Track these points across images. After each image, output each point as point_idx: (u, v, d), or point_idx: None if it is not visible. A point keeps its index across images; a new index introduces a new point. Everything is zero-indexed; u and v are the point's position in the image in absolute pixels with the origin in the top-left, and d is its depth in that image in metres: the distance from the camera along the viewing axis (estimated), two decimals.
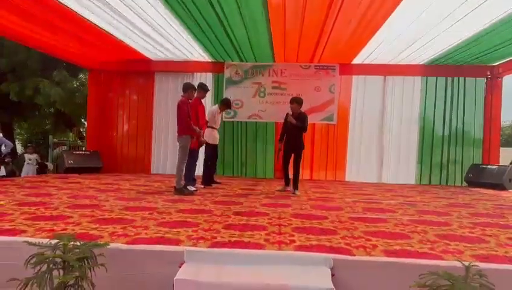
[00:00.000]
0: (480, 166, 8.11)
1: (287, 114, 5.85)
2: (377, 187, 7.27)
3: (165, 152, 9.15)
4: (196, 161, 6.17)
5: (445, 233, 3.24)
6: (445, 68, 8.36)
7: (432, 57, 7.84)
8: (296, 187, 5.77)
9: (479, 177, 7.84)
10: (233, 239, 2.81)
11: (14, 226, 2.97)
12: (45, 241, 2.12)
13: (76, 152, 9.49)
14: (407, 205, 4.93)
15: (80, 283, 1.96)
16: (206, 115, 6.48)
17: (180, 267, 2.32)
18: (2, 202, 4.13)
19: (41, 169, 10.23)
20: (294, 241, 2.81)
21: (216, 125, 6.61)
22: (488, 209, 4.81)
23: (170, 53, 8.27)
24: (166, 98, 9.07)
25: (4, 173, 8.77)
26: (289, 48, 7.53)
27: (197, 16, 5.92)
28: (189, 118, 5.36)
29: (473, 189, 7.51)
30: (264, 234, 3.01)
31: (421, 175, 8.56)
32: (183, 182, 5.41)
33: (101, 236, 2.74)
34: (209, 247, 2.58)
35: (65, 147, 13.49)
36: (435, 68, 8.41)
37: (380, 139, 8.76)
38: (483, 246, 2.81)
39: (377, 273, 2.34)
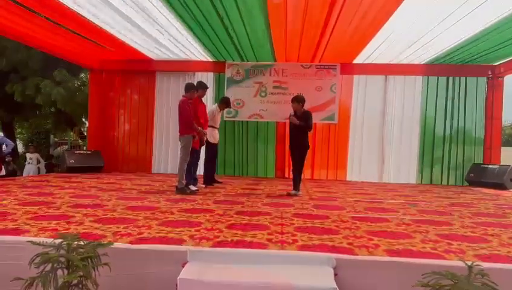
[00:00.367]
0: (482, 166, 8.10)
1: (290, 115, 5.69)
2: (378, 187, 7.28)
3: (166, 151, 9.16)
4: (198, 161, 6.18)
5: (447, 233, 3.25)
6: (446, 68, 8.36)
7: (433, 57, 7.84)
8: (296, 188, 5.57)
9: (480, 177, 7.84)
10: (235, 239, 2.82)
11: (17, 226, 2.98)
12: (49, 240, 2.13)
13: (77, 151, 9.50)
14: (408, 204, 4.94)
15: (84, 283, 1.97)
16: (207, 114, 6.47)
17: (183, 266, 2.33)
18: (4, 201, 4.15)
19: (50, 168, 10.20)
20: (296, 240, 2.82)
21: (216, 124, 6.62)
22: (489, 209, 4.82)
23: (171, 53, 8.27)
24: (167, 97, 9.08)
25: (5, 173, 8.78)
26: (290, 47, 7.52)
27: (198, 16, 5.92)
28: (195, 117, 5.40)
29: (474, 189, 7.51)
30: (266, 233, 3.01)
31: (422, 175, 8.56)
32: (184, 182, 5.42)
33: (104, 236, 2.75)
34: (212, 246, 2.59)
35: (66, 146, 13.53)
36: (436, 68, 8.40)
37: (381, 139, 8.76)
38: (486, 246, 2.81)
39: (379, 273, 2.35)
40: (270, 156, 8.92)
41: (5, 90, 12.70)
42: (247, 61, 8.70)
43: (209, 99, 8.54)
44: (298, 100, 5.60)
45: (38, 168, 10.53)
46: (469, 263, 1.92)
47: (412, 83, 8.64)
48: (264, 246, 2.64)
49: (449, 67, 8.34)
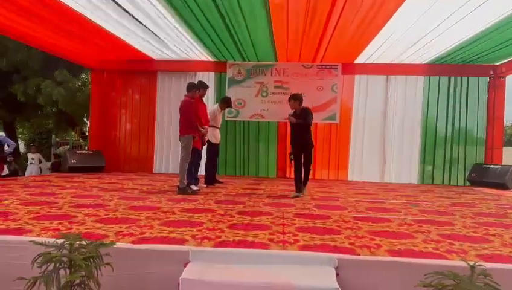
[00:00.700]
0: (483, 166, 8.10)
1: (288, 114, 5.54)
2: (380, 187, 7.27)
3: (168, 151, 9.17)
4: (199, 161, 6.18)
5: (449, 233, 3.24)
6: (448, 67, 8.35)
7: (435, 57, 7.83)
8: (298, 190, 5.41)
9: (482, 177, 7.83)
10: (237, 239, 2.82)
11: (19, 226, 2.99)
12: (51, 240, 2.13)
13: (79, 151, 9.52)
14: (410, 204, 4.93)
15: (86, 282, 1.97)
16: (208, 114, 6.47)
17: (185, 266, 2.33)
18: (6, 201, 4.16)
19: (56, 167, 10.17)
20: (298, 240, 2.82)
21: (218, 124, 6.62)
22: (491, 209, 4.81)
23: (173, 53, 8.28)
24: (168, 97, 9.09)
25: (7, 172, 8.80)
26: (291, 47, 7.52)
27: (200, 16, 5.93)
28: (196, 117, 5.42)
29: (476, 189, 7.50)
30: (268, 233, 3.01)
31: (423, 175, 8.55)
32: (186, 182, 5.43)
33: (106, 235, 2.75)
34: (213, 246, 2.59)
35: (68, 146, 13.54)
36: (437, 67, 8.39)
37: (383, 139, 8.75)
38: (488, 246, 2.81)
39: (381, 273, 2.35)
40: (271, 156, 8.92)
41: (6, 91, 12.73)
42: (249, 61, 8.70)
43: (210, 99, 8.55)
44: (295, 98, 5.44)
45: (40, 168, 10.54)
46: (471, 263, 1.91)
47: (413, 83, 8.63)
48: (266, 246, 2.65)
49: (451, 67, 8.33)
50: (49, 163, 11.13)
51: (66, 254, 2.00)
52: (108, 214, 3.61)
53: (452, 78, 8.50)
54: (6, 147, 7.98)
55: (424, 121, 8.58)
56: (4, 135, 13.85)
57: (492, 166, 7.90)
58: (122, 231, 2.91)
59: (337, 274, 2.28)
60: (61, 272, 1.95)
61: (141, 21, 6.33)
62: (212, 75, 9.03)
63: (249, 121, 8.90)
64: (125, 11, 5.90)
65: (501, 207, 4.97)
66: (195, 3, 5.46)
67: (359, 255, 2.50)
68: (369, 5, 5.28)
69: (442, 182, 8.45)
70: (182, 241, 2.67)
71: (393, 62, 8.27)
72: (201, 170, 6.55)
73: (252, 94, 8.77)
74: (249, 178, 8.31)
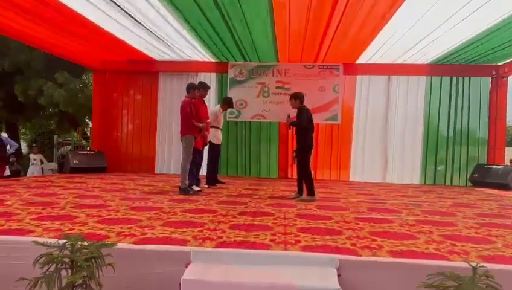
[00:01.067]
0: (485, 166, 8.07)
1: (287, 116, 5.48)
2: (382, 187, 7.26)
3: (169, 152, 9.18)
4: (201, 161, 6.18)
5: (451, 233, 3.23)
6: (450, 68, 8.33)
7: (437, 57, 7.82)
8: (299, 192, 5.32)
9: (484, 177, 7.80)
10: (239, 239, 2.82)
11: (21, 226, 2.99)
12: (53, 241, 2.14)
13: (81, 152, 9.54)
14: (412, 205, 4.92)
15: (87, 283, 1.97)
16: (209, 115, 6.46)
17: (186, 267, 2.33)
18: (8, 202, 4.17)
19: (62, 167, 10.17)
20: (299, 241, 2.81)
21: (219, 125, 6.63)
22: (493, 209, 4.79)
23: (174, 53, 8.30)
24: (170, 98, 9.10)
25: (9, 173, 8.83)
26: (293, 47, 7.53)
27: (201, 16, 5.94)
28: (192, 116, 5.38)
29: (478, 189, 7.48)
30: (269, 234, 3.01)
31: (425, 175, 8.54)
32: (187, 182, 5.43)
33: (108, 236, 2.76)
34: (215, 247, 2.59)
35: (70, 146, 13.57)
36: (439, 68, 8.38)
37: (384, 139, 8.74)
38: (490, 247, 2.80)
39: (383, 274, 2.34)
40: (273, 157, 8.93)
41: (8, 91, 12.76)
42: (250, 61, 8.71)
43: (212, 100, 8.57)
44: (295, 97, 5.32)
45: (42, 168, 10.56)
46: (473, 264, 1.91)
47: (415, 83, 8.62)
48: (267, 247, 2.64)
49: (453, 68, 8.31)
50: (52, 163, 11.16)
51: (68, 255, 2.00)
52: (110, 215, 3.61)
53: (454, 79, 8.48)
54: (8, 147, 8.01)
55: (426, 122, 8.56)
56: (6, 135, 13.91)
57: (494, 166, 7.88)
58: (124, 232, 2.91)
59: (339, 275, 2.28)
60: (63, 272, 1.96)
61: (142, 22, 6.35)
62: (213, 75, 9.06)
63: (250, 122, 8.90)
64: (127, 12, 5.92)
65: (503, 208, 4.95)
66: (197, 4, 5.47)
67: (361, 255, 2.49)
68: (370, 5, 5.28)
69: (444, 183, 8.43)
70: (184, 242, 2.67)
71: (395, 62, 8.27)
72: (203, 171, 6.56)
73: (254, 95, 8.77)
74: (251, 178, 8.32)
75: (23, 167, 11.25)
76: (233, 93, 8.57)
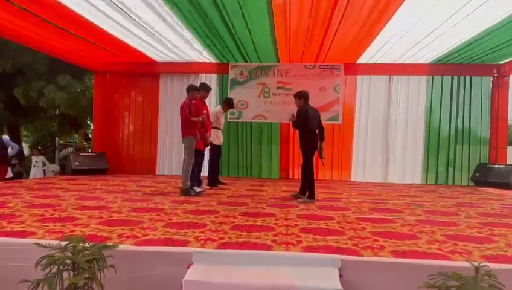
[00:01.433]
0: (487, 165, 8.04)
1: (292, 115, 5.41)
2: (383, 187, 7.24)
3: (171, 153, 9.19)
4: (202, 162, 6.18)
5: (453, 233, 3.22)
6: (451, 67, 8.31)
7: (438, 56, 7.80)
8: (301, 192, 5.27)
9: (486, 177, 7.78)
10: (240, 240, 2.82)
11: (24, 228, 3.00)
12: (55, 243, 2.14)
13: (82, 154, 9.56)
14: (414, 205, 4.91)
15: (89, 284, 1.98)
16: (210, 116, 6.47)
17: (188, 268, 2.33)
18: (10, 204, 4.18)
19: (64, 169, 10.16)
20: (301, 241, 2.81)
21: (220, 126, 6.64)
22: (495, 209, 4.78)
23: (175, 55, 8.31)
24: (171, 99, 9.09)
25: (11, 175, 8.84)
26: (294, 48, 7.52)
27: (202, 17, 5.94)
28: (191, 117, 5.37)
29: (480, 189, 7.46)
30: (271, 234, 3.01)
31: (427, 175, 8.51)
32: (189, 183, 5.43)
33: (109, 238, 2.76)
34: (216, 248, 2.59)
35: (71, 148, 13.59)
36: (440, 67, 8.36)
37: (386, 139, 8.73)
38: (492, 247, 2.79)
39: (385, 274, 2.33)
40: (274, 157, 8.92)
41: (10, 93, 12.78)
42: (251, 62, 8.72)
43: (212, 101, 8.58)
44: (299, 96, 5.23)
45: (44, 170, 10.58)
46: (476, 263, 1.90)
47: (416, 82, 8.60)
48: (269, 247, 2.64)
49: (454, 67, 8.30)
50: (53, 165, 11.17)
51: (70, 256, 2.00)
52: (112, 216, 3.62)
53: (455, 78, 8.46)
54: (10, 149, 8.02)
55: (427, 121, 8.54)
56: (8, 137, 13.93)
57: (496, 166, 7.85)
58: (125, 233, 2.92)
59: (341, 275, 2.27)
60: (65, 274, 1.96)
61: (143, 23, 6.35)
62: (214, 76, 9.06)
63: (251, 122, 8.90)
64: (128, 13, 5.92)
65: (505, 207, 4.93)
66: (197, 5, 5.47)
67: (362, 256, 2.48)
68: (371, 5, 5.28)
69: (446, 182, 8.41)
70: (185, 243, 2.67)
71: (395, 62, 8.26)
72: (204, 172, 6.56)
73: (255, 95, 8.77)
74: (252, 179, 8.32)
75: (25, 169, 11.25)
76: (234, 94, 8.57)
